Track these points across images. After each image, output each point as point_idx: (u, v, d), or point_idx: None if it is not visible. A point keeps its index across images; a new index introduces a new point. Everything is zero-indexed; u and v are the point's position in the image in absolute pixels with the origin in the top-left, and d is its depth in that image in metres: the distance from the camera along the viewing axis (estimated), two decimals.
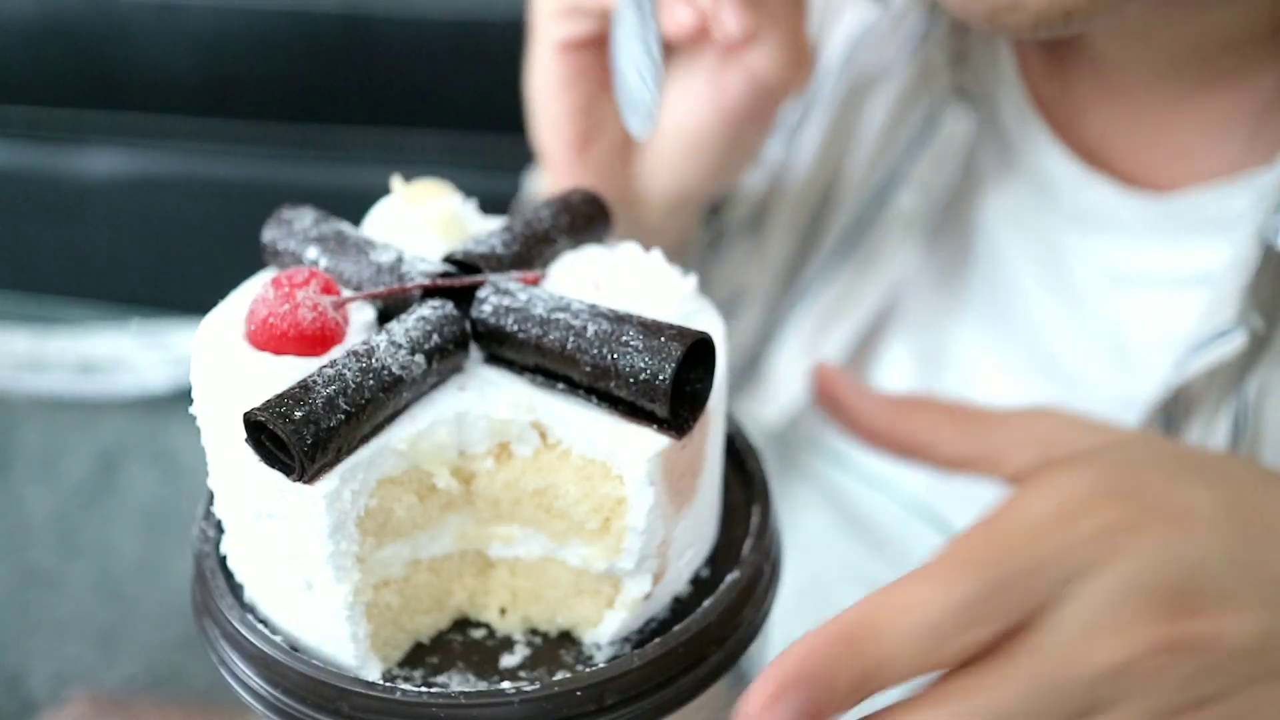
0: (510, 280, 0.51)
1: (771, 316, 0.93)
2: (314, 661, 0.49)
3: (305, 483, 0.45)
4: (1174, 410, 0.73)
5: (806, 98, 0.91)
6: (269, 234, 0.55)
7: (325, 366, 0.47)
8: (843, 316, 0.88)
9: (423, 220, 0.56)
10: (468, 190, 0.61)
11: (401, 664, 0.52)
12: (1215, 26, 0.71)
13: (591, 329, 0.48)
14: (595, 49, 0.76)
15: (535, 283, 0.53)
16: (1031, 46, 0.81)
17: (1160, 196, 0.76)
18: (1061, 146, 0.80)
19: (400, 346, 0.48)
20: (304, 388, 0.45)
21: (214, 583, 0.52)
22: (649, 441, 0.48)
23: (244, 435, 0.46)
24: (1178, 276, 0.76)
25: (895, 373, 0.90)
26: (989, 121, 0.84)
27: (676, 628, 0.50)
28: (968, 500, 0.80)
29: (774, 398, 0.90)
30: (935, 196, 0.83)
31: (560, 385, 0.50)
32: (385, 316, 0.51)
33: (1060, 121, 0.81)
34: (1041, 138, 0.81)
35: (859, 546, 0.87)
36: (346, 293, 0.51)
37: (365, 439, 0.47)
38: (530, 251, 0.54)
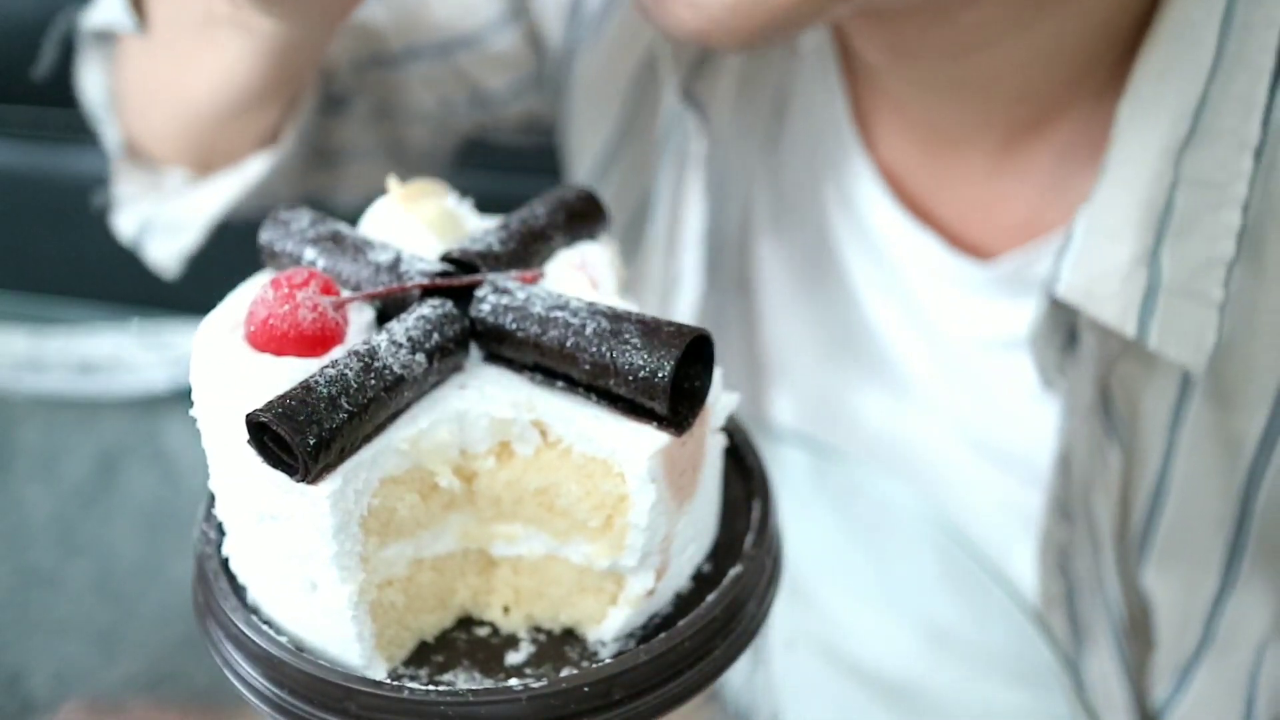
0: (509, 279, 0.52)
1: None
2: (320, 661, 0.49)
3: (309, 483, 0.45)
4: (1069, 459, 0.75)
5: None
6: (266, 235, 0.55)
7: (326, 367, 0.47)
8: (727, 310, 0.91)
9: (419, 220, 0.56)
10: (468, 190, 0.61)
11: (407, 663, 0.52)
12: (1003, 72, 0.71)
13: (590, 327, 0.48)
14: None
15: (534, 281, 0.53)
16: (870, 106, 0.83)
17: (984, 263, 0.77)
18: (899, 208, 0.81)
19: (401, 346, 0.48)
20: (306, 388, 0.45)
21: (217, 585, 0.52)
22: (649, 439, 0.48)
23: (246, 437, 0.46)
24: (1012, 338, 0.77)
25: (785, 413, 0.92)
26: (834, 178, 0.85)
27: (681, 623, 0.50)
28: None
29: None
30: (686, 217, 0.85)
31: (560, 383, 0.50)
32: (384, 316, 0.51)
33: (899, 184, 0.82)
34: (883, 202, 0.82)
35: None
36: (345, 293, 0.51)
37: (367, 439, 0.47)
38: (527, 249, 0.54)
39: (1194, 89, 0.63)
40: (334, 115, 0.96)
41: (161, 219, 0.91)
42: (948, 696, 0.78)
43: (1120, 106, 0.66)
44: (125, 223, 0.93)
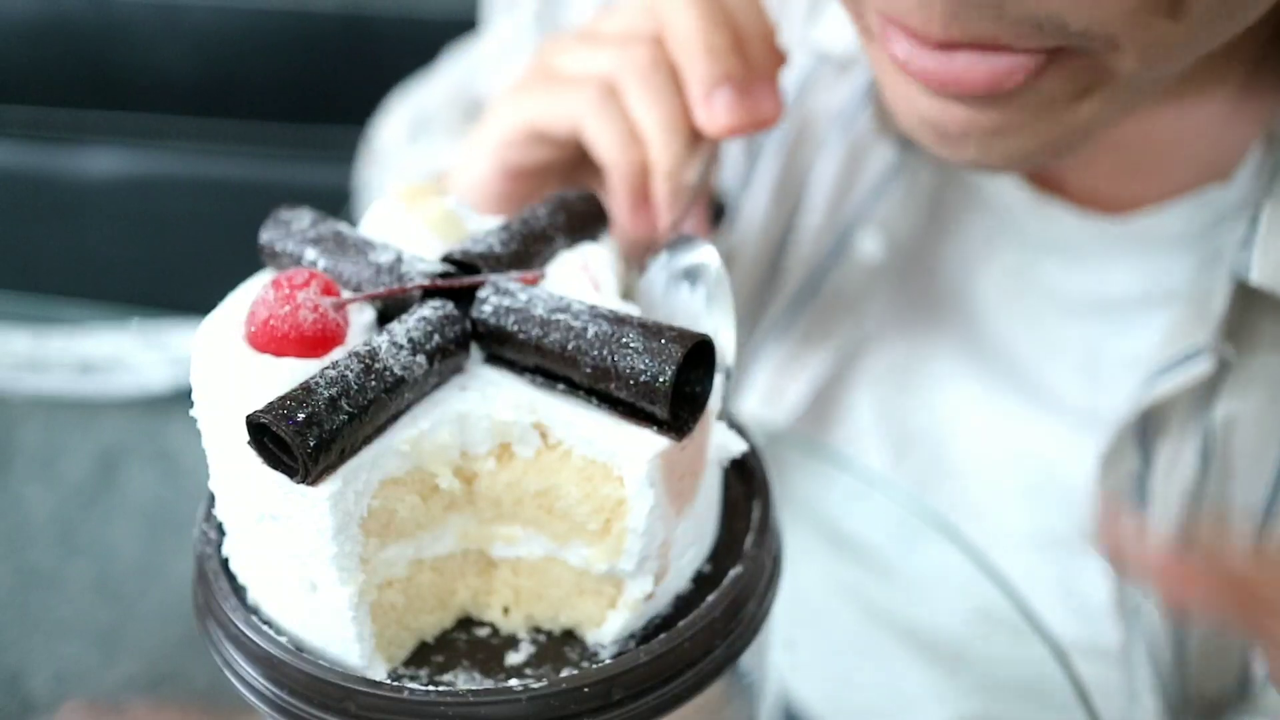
0: (510, 280, 0.52)
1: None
2: (320, 661, 0.49)
3: (309, 484, 0.45)
4: (1146, 428, 0.74)
5: (755, 141, 0.92)
6: (266, 235, 0.55)
7: (327, 368, 0.47)
8: (807, 359, 0.89)
9: (419, 220, 0.56)
10: None
11: (407, 663, 0.52)
12: None
13: (592, 330, 0.48)
14: (542, 175, 0.74)
15: (535, 282, 0.53)
16: None
17: (1116, 219, 0.77)
18: (1016, 176, 0.81)
19: (402, 347, 0.48)
20: (306, 389, 0.45)
21: (217, 585, 0.52)
22: (649, 443, 0.48)
23: (247, 438, 0.46)
24: (1141, 297, 0.78)
25: (862, 406, 0.90)
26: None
27: (681, 623, 0.50)
28: (956, 510, 0.81)
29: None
30: (901, 241, 0.84)
31: (560, 386, 0.50)
32: (385, 317, 0.51)
33: None
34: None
35: (844, 559, 0.88)
36: (346, 294, 0.51)
37: (368, 440, 0.47)
38: (528, 251, 0.54)
39: None
40: None
41: None
42: (995, 662, 0.78)
43: None
44: None
